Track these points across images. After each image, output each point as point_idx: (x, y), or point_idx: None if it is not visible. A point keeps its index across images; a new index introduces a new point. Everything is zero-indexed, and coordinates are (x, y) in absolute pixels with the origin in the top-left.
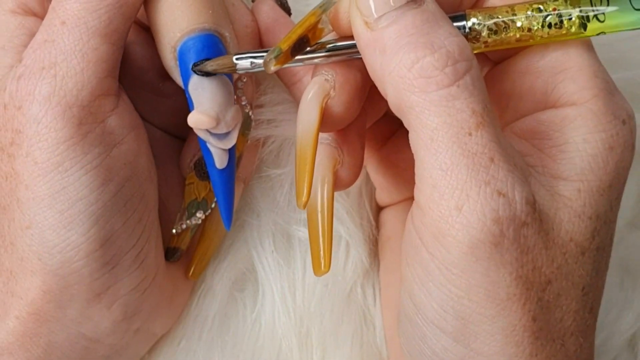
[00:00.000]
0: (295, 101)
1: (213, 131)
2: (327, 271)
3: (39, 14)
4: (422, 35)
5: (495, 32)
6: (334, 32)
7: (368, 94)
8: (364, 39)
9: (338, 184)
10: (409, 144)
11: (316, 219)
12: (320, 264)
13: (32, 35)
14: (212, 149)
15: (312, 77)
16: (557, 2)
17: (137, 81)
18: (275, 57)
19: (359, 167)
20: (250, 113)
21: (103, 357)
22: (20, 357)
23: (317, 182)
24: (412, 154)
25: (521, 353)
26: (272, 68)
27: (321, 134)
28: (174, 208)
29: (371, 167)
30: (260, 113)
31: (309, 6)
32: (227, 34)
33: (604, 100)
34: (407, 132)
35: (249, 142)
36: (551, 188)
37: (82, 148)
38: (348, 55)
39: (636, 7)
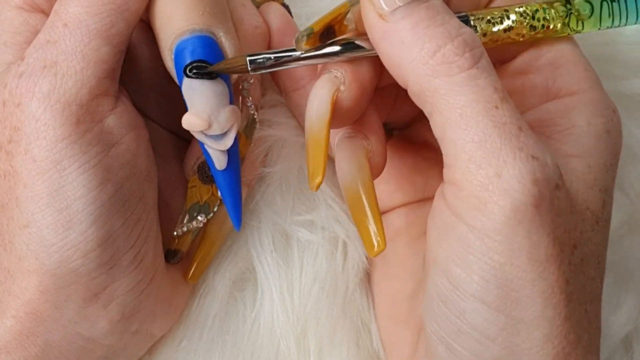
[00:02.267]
0: (295, 108)
1: (207, 132)
2: (383, 248)
3: (46, 11)
4: (438, 26)
5: (490, 32)
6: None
7: (379, 94)
8: (378, 31)
9: (371, 171)
10: (400, 152)
11: (361, 202)
12: (374, 244)
13: (35, 33)
14: (209, 151)
15: (318, 76)
16: (543, 4)
17: (144, 81)
18: (307, 36)
19: (385, 154)
20: (255, 115)
21: (101, 358)
22: (17, 356)
23: (355, 171)
24: (403, 161)
25: (558, 316)
26: (304, 47)
27: (345, 129)
28: (177, 208)
29: None
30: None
31: (310, 7)
32: (221, 34)
33: (598, 90)
34: (398, 140)
35: (252, 144)
36: (564, 165)
37: (80, 147)
38: (364, 53)
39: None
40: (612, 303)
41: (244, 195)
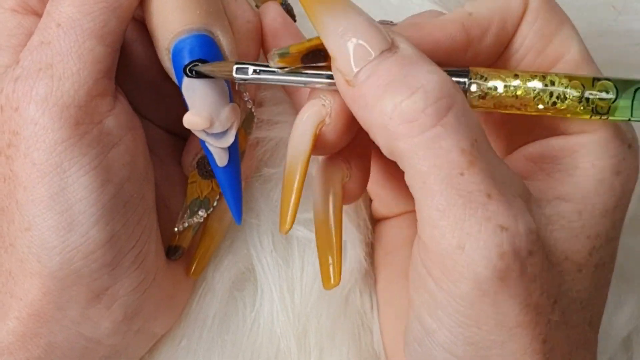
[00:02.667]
0: (298, 108)
1: (209, 131)
2: (337, 284)
3: (40, 13)
4: (399, 80)
5: (491, 95)
6: None
7: None
8: (348, 97)
9: (345, 197)
10: None
11: (325, 231)
12: (330, 278)
13: (30, 35)
14: (211, 148)
15: (308, 99)
16: (563, 80)
17: (138, 80)
18: (280, 55)
19: (365, 180)
20: (252, 110)
21: (103, 358)
22: (20, 358)
23: (326, 196)
24: None
25: None
26: (272, 63)
27: None
28: (175, 207)
29: (370, 178)
30: (258, 112)
31: None
32: (218, 33)
33: (613, 127)
34: None
35: (250, 139)
36: (551, 209)
37: (80, 149)
38: None
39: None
40: (613, 303)
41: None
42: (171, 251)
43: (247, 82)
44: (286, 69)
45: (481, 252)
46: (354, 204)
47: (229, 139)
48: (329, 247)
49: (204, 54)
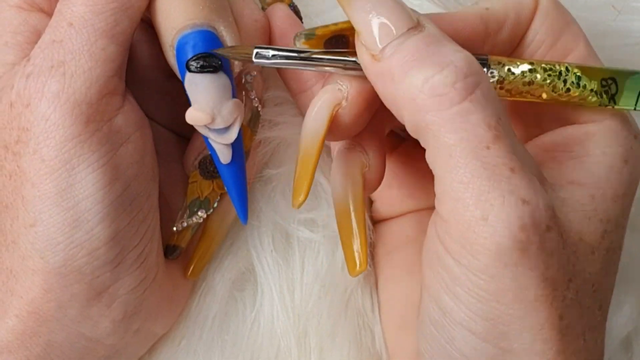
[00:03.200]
0: (302, 109)
1: (211, 127)
2: (364, 269)
3: (46, 10)
4: (428, 57)
5: (509, 81)
6: None
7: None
8: (372, 72)
9: (366, 186)
10: (412, 158)
11: (349, 219)
12: (356, 263)
13: (36, 32)
14: (214, 145)
15: (324, 85)
16: (576, 69)
17: (142, 79)
18: (306, 36)
19: (383, 169)
20: (259, 108)
21: (103, 357)
22: (19, 356)
23: (348, 185)
24: (416, 167)
25: (549, 350)
26: (297, 44)
27: (347, 140)
28: (175, 206)
29: None
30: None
31: (312, 6)
32: (221, 28)
33: (620, 117)
34: (410, 145)
35: (256, 137)
36: (565, 192)
37: (89, 146)
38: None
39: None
40: (612, 303)
41: None
42: (169, 250)
43: (265, 66)
44: (306, 53)
45: (503, 224)
46: None
47: (232, 135)
48: (351, 234)
49: (207, 49)
